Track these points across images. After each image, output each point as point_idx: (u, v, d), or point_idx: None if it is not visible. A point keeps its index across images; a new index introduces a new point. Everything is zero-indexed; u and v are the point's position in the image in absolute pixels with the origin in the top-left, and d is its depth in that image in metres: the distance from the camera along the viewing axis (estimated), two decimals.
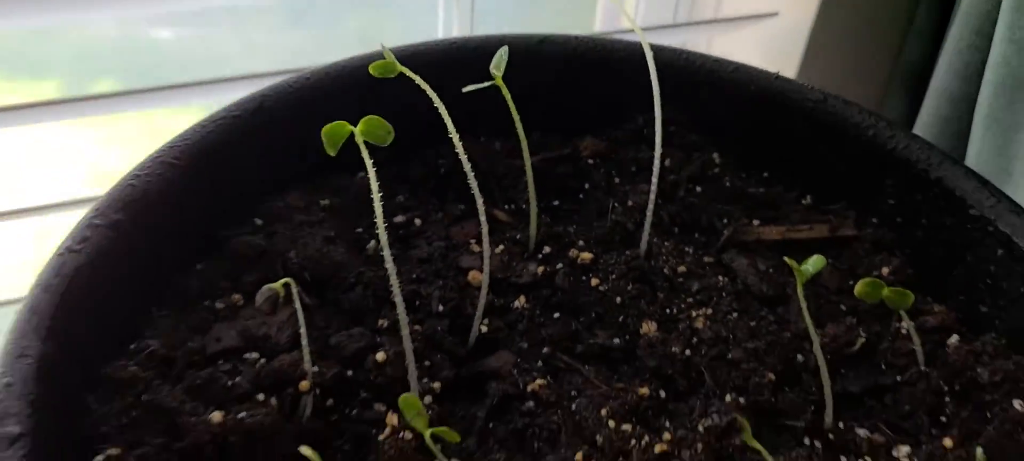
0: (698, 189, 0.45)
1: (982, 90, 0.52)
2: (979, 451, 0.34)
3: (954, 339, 0.39)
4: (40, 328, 0.30)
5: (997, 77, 0.50)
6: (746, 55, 0.72)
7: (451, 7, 0.61)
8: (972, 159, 0.55)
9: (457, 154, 0.42)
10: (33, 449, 0.28)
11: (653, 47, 0.42)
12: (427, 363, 0.37)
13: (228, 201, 0.40)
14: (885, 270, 0.41)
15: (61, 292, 0.32)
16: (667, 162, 0.45)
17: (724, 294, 0.41)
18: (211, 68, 0.75)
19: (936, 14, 0.63)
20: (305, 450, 0.29)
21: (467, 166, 0.38)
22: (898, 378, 0.38)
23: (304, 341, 0.35)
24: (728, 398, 0.36)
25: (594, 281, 0.42)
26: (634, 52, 0.45)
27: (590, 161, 0.46)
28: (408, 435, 0.35)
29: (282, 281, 0.35)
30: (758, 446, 0.31)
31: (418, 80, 0.37)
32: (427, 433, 0.30)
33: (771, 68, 0.49)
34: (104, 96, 0.66)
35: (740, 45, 0.74)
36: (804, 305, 0.37)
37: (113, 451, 0.31)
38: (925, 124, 0.57)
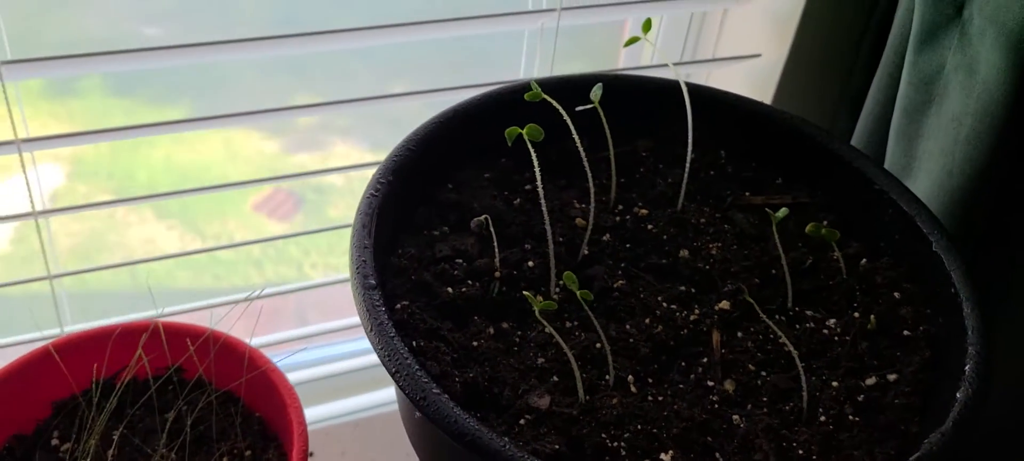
0: (712, 173, 0.68)
1: (894, 113, 0.79)
2: (872, 317, 0.60)
3: (864, 261, 0.63)
4: (370, 232, 0.55)
5: (901, 103, 0.76)
6: (736, 85, 0.98)
7: (533, 55, 0.87)
8: (889, 161, 0.81)
9: (561, 150, 0.68)
10: (382, 293, 0.53)
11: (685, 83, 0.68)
12: (555, 270, 0.63)
13: (434, 172, 0.65)
14: (826, 222, 0.67)
15: (374, 214, 0.57)
16: (693, 156, 0.70)
17: (728, 235, 0.65)
18: (203, 73, 0.79)
19: (871, 57, 0.90)
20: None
21: (583, 155, 0.64)
22: (830, 282, 0.63)
23: (496, 251, 0.60)
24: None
25: (650, 226, 0.64)
26: (671, 84, 0.70)
27: (644, 154, 0.70)
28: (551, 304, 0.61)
29: (483, 216, 0.61)
30: (751, 301, 0.57)
31: (553, 102, 0.63)
32: (578, 292, 0.55)
33: (754, 95, 0.75)
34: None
35: (731, 78, 0.99)
36: (777, 239, 0.63)
37: (405, 302, 0.57)
38: (859, 136, 0.83)
